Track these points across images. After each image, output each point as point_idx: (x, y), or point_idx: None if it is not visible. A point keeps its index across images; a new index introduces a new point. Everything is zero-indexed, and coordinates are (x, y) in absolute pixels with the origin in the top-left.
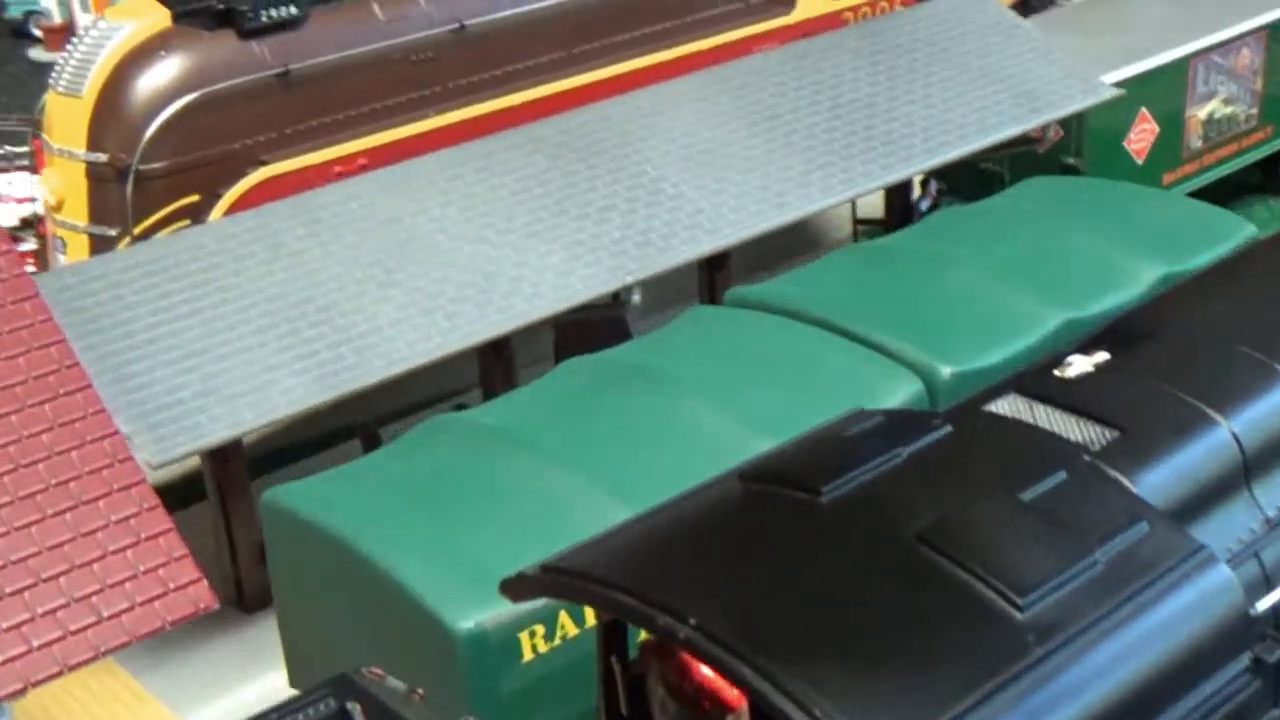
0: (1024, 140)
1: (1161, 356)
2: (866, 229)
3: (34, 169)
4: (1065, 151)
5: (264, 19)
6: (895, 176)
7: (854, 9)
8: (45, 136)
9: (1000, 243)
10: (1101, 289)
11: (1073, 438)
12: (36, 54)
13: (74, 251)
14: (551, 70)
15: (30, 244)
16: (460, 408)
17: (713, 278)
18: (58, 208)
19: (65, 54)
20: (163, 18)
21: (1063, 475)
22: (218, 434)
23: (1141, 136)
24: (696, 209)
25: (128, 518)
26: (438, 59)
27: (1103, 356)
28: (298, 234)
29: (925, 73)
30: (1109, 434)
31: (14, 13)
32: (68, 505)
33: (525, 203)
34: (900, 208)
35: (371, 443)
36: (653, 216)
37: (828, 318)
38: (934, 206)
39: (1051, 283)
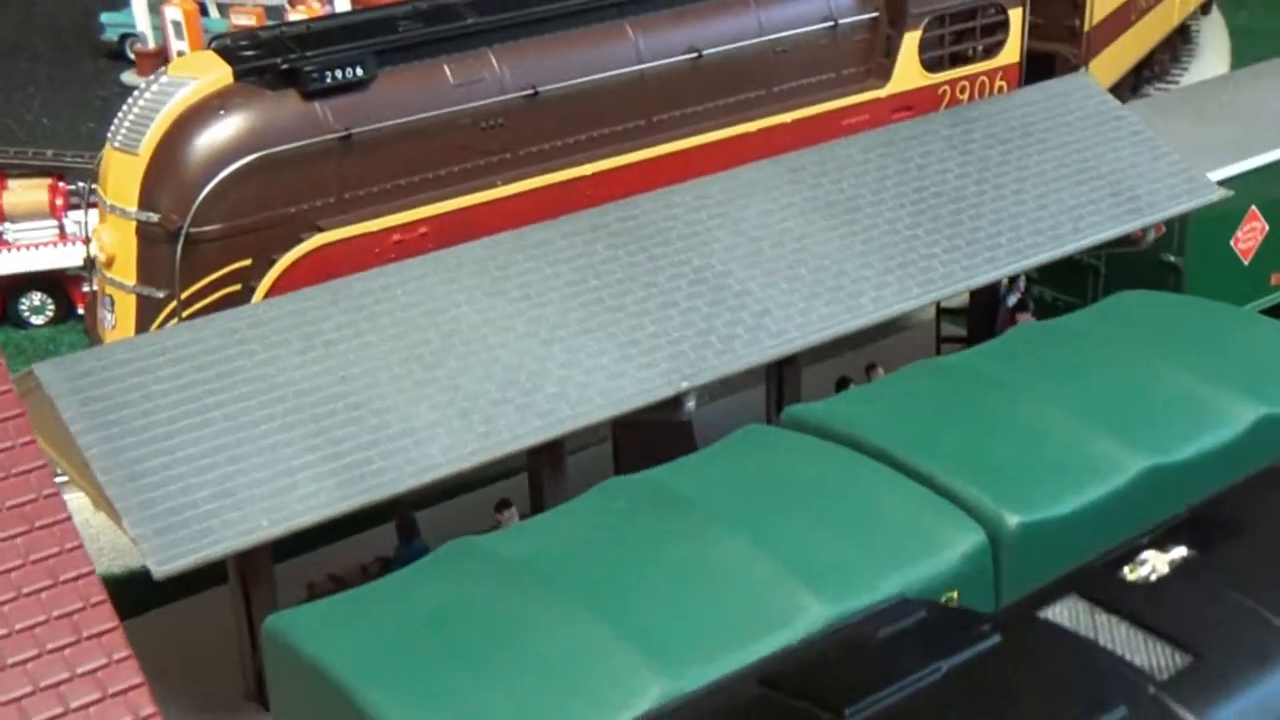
0: (1123, 236)
1: (1249, 560)
2: (949, 318)
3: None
4: (1166, 248)
5: (329, 80)
6: (979, 280)
7: (952, 83)
8: (100, 190)
9: (1082, 371)
10: (1191, 431)
11: (1138, 660)
12: (129, 78)
13: (121, 310)
14: (628, 139)
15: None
16: (503, 505)
17: (780, 382)
18: (108, 264)
19: (125, 108)
20: (224, 75)
21: (1123, 712)
22: (229, 543)
23: (1250, 235)
24: (762, 309)
25: (96, 670)
26: (509, 125)
27: (1180, 553)
28: (336, 321)
29: (1019, 165)
30: (1180, 658)
31: (111, 35)
32: (31, 654)
33: (580, 295)
34: (986, 304)
35: (408, 531)
36: (714, 315)
37: (889, 449)
38: (1021, 301)
39: (1136, 421)
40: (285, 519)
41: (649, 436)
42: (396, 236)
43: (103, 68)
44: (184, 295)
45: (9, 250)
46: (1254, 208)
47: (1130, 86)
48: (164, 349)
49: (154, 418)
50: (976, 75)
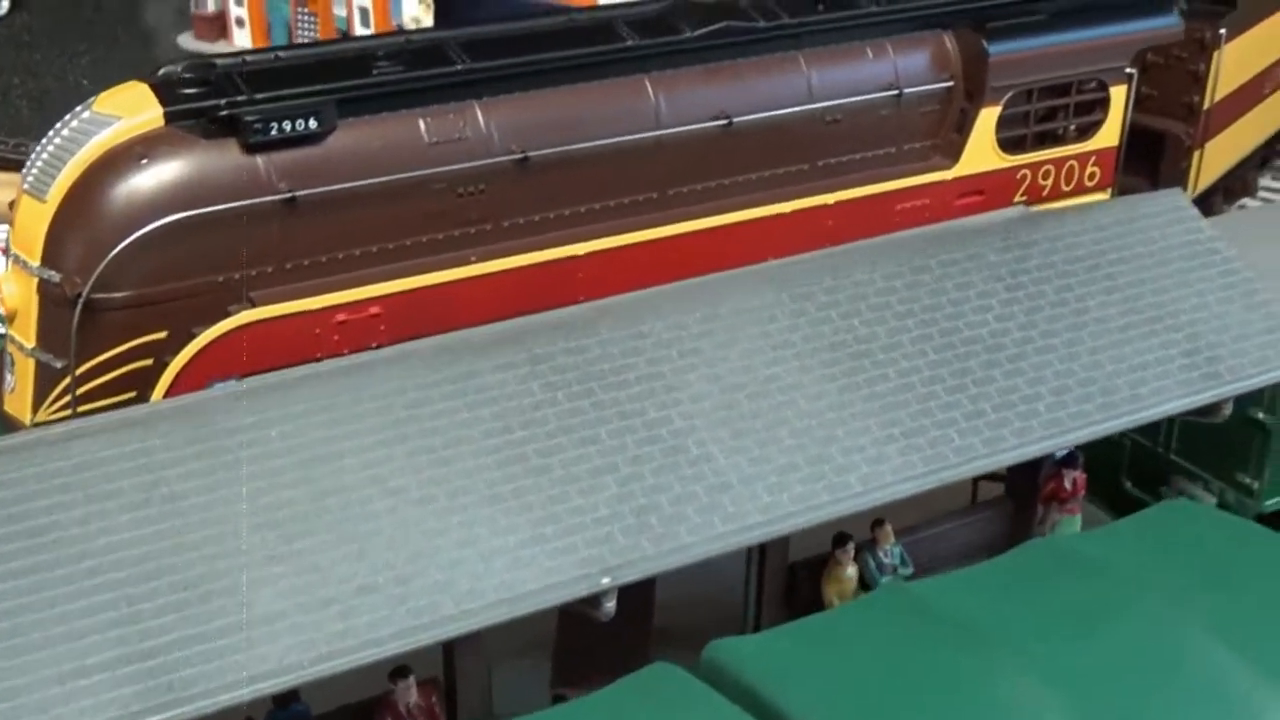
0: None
1: None
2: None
3: None
4: (1254, 403)
5: (274, 132)
6: (999, 460)
7: (1033, 166)
8: (9, 236)
9: (1089, 635)
10: None
11: None
12: (185, 40)
13: (20, 374)
14: (635, 214)
15: None
16: (400, 673)
17: (762, 562)
18: (10, 319)
19: (42, 143)
20: (154, 116)
21: None
22: None
23: None
24: (722, 481)
25: None
26: (491, 192)
27: None
28: (188, 468)
29: (1077, 307)
30: None
31: None
32: None
33: (500, 450)
34: (1026, 473)
35: (284, 696)
36: (660, 488)
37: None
38: (1071, 455)
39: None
40: None
41: (592, 634)
42: (341, 317)
43: (164, 26)
44: (80, 370)
45: None
46: None
47: (1258, 163)
48: None
49: None
50: (1064, 159)
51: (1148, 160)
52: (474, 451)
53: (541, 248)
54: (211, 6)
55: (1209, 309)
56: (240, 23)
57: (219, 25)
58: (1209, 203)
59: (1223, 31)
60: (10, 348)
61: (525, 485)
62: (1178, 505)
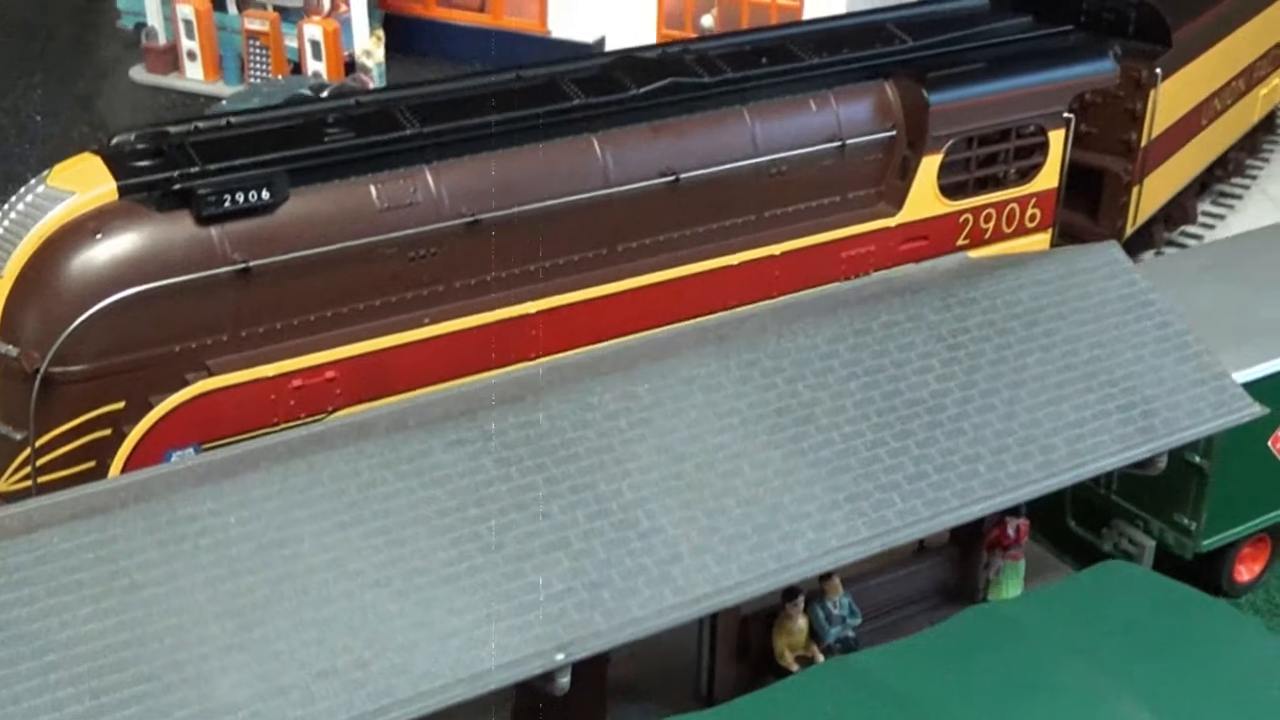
0: None
1: None
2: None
3: None
4: (1191, 448)
5: (227, 204)
6: (941, 523)
7: (975, 210)
8: None
9: (1020, 705)
10: None
11: None
12: (138, 74)
13: None
14: (586, 270)
15: None
16: None
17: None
18: None
19: None
20: (108, 190)
21: None
22: None
23: None
24: (672, 553)
25: None
26: (443, 254)
27: None
28: (148, 557)
29: (1016, 365)
30: None
31: (126, 23)
32: None
33: (454, 529)
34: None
35: None
36: (612, 562)
37: None
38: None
39: None
40: None
41: (548, 705)
42: (298, 382)
43: (116, 58)
44: (40, 442)
45: None
46: None
47: (1196, 190)
48: None
49: None
50: (1005, 202)
51: (1088, 196)
52: (429, 531)
53: (494, 307)
54: (163, 40)
55: (1144, 362)
56: (192, 55)
57: (170, 58)
58: (1150, 232)
59: (1158, 71)
60: None
61: (479, 563)
62: (1114, 567)
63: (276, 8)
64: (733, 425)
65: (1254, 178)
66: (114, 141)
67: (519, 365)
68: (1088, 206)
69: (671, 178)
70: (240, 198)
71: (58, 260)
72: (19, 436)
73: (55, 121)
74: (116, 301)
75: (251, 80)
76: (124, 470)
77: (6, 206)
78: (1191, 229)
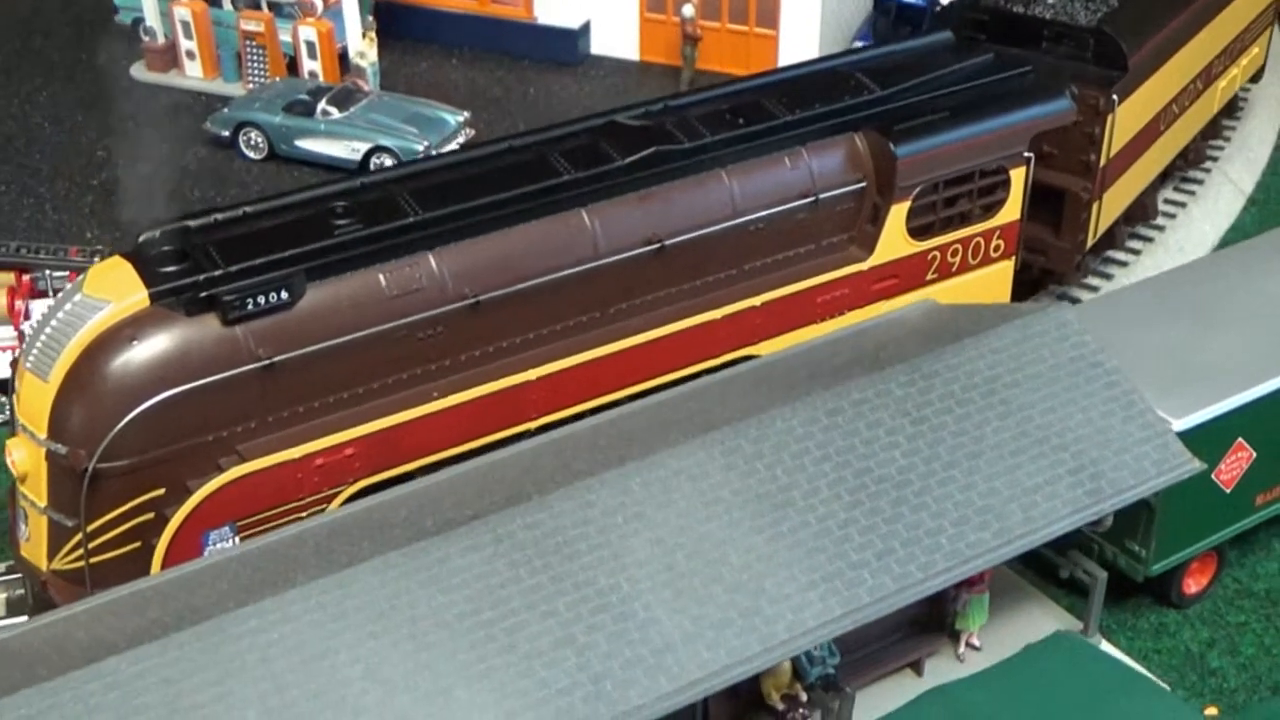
0: None
1: None
2: None
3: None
4: None
5: (250, 307)
6: (907, 597)
7: (942, 248)
8: (15, 405)
9: None
10: None
11: None
12: (138, 72)
13: (34, 528)
14: (580, 334)
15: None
16: None
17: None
18: (21, 480)
19: (39, 322)
20: (140, 298)
21: None
22: None
23: (1234, 466)
24: (666, 642)
25: None
26: (448, 331)
27: None
28: (204, 678)
29: (976, 434)
30: None
31: (124, 19)
32: None
33: (472, 631)
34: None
35: None
36: (613, 654)
37: None
38: None
39: None
40: None
41: None
42: (321, 460)
43: (116, 54)
44: (90, 528)
45: None
46: (1240, 439)
47: (1157, 184)
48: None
49: None
50: (971, 237)
51: (1050, 210)
52: (450, 635)
53: (495, 377)
54: (161, 39)
55: (1093, 424)
56: (190, 55)
57: (169, 57)
58: (1111, 232)
59: (1115, 98)
60: (23, 503)
61: (496, 664)
62: (1063, 641)
63: (271, 5)
64: (718, 513)
65: (1215, 159)
66: (140, 239)
67: (521, 439)
68: (1051, 220)
69: (657, 245)
70: (262, 300)
71: (98, 367)
72: (71, 523)
73: (62, 128)
74: (155, 404)
75: (251, 83)
76: (168, 549)
77: (47, 314)
78: (1150, 226)
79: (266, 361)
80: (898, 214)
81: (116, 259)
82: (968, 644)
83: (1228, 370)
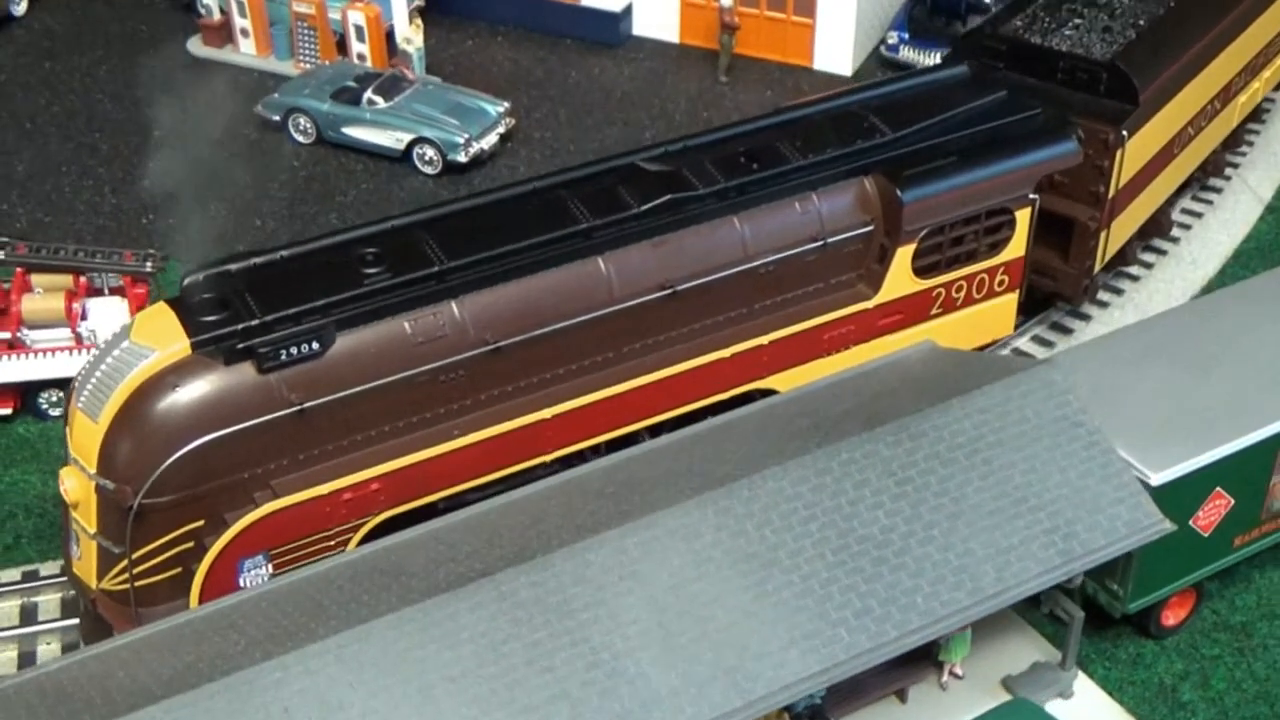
0: None
1: None
2: None
3: None
4: None
5: (284, 357)
6: (881, 655)
7: (947, 285)
8: (68, 435)
9: None
10: None
11: None
12: (194, 47)
13: (85, 550)
14: (594, 372)
15: None
16: None
17: None
18: (74, 506)
19: (90, 364)
20: (182, 347)
21: None
22: None
23: (1212, 512)
24: (654, 696)
25: None
26: (469, 374)
27: None
28: None
29: (957, 495)
30: None
31: None
32: None
33: (475, 686)
34: None
35: None
36: (603, 709)
37: None
38: None
39: None
40: None
41: None
42: (348, 495)
43: (174, 27)
44: (135, 555)
45: (29, 356)
46: (1219, 489)
47: (1171, 199)
48: None
49: None
50: (975, 274)
51: (1060, 235)
52: (455, 689)
53: (512, 416)
54: (218, 15)
55: (1070, 484)
56: (245, 32)
57: (224, 33)
58: (1124, 251)
59: (1124, 133)
60: (75, 527)
61: (497, 718)
62: (1018, 709)
63: None
64: (709, 572)
65: (1235, 166)
66: (185, 283)
67: (537, 470)
68: (1060, 245)
69: (669, 291)
70: (295, 350)
71: (143, 412)
72: (118, 550)
73: (121, 105)
74: (195, 448)
75: (302, 62)
76: (206, 575)
77: (96, 358)
78: (1165, 239)
79: (299, 407)
80: (904, 255)
81: (161, 306)
82: (951, 673)
83: (1210, 421)
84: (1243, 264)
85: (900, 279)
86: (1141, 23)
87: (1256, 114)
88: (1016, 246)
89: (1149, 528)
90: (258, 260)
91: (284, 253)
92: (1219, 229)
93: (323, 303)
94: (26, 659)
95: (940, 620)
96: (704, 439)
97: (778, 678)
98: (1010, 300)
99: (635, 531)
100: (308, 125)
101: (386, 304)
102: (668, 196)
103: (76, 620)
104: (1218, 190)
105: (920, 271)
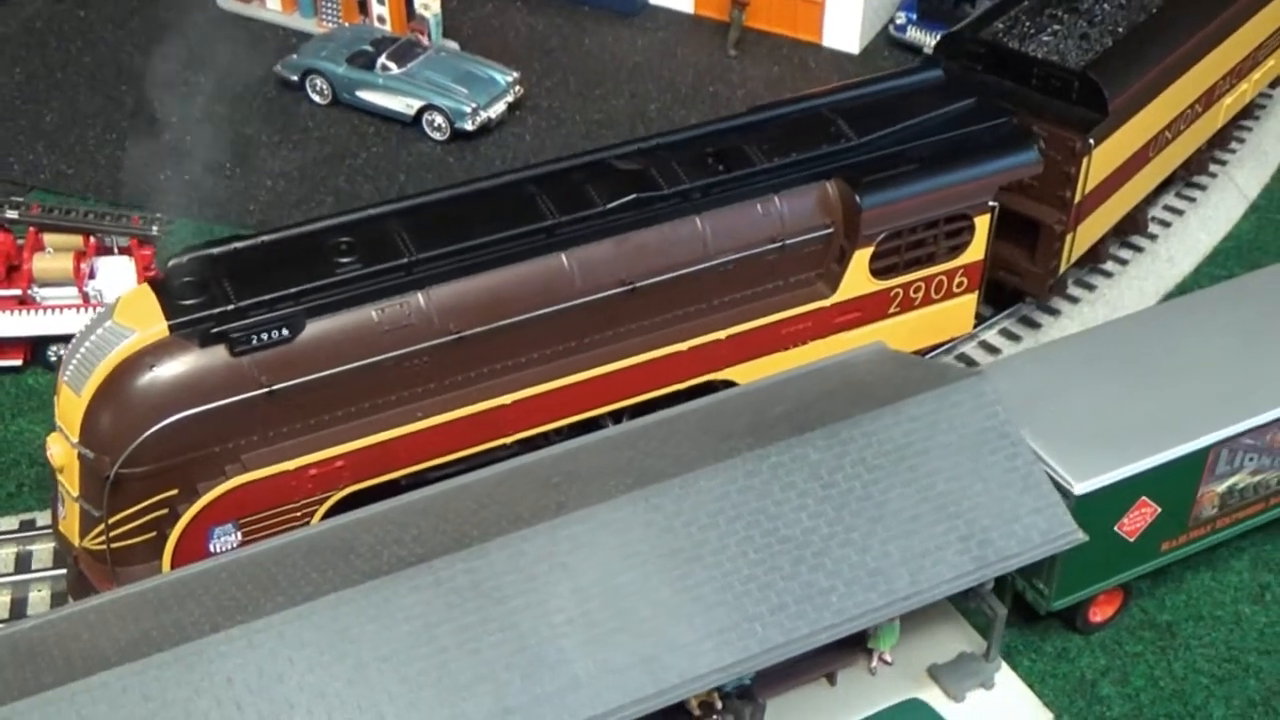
0: None
1: None
2: None
3: None
4: None
5: (255, 342)
6: (791, 650)
7: (905, 285)
8: (55, 404)
9: None
10: None
11: None
12: (224, 1)
13: (69, 510)
14: (554, 361)
15: None
16: None
17: None
18: (60, 470)
19: (76, 340)
20: (161, 329)
21: None
22: None
23: (1137, 520)
24: (574, 681)
25: None
26: (432, 362)
27: None
28: (179, 694)
29: (880, 499)
30: None
31: None
32: None
33: (410, 664)
34: None
35: None
36: (525, 690)
37: None
38: None
39: None
40: None
41: None
42: (314, 471)
43: None
44: (113, 520)
45: (38, 312)
46: (1144, 497)
47: (1148, 199)
48: None
49: None
50: (933, 276)
51: (1027, 233)
52: (389, 668)
53: (475, 400)
54: None
55: (990, 494)
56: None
57: None
58: (1097, 249)
59: (1091, 141)
60: (61, 489)
61: (423, 695)
62: (910, 707)
63: None
64: (635, 565)
65: (1223, 163)
66: (169, 264)
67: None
68: (1028, 244)
69: (630, 287)
70: (265, 336)
71: (122, 388)
72: (97, 513)
73: (149, 59)
74: (170, 423)
75: (325, 22)
76: (178, 539)
77: (82, 334)
78: (1142, 236)
79: (268, 389)
80: (862, 256)
81: (144, 288)
82: (880, 660)
83: (1138, 433)
84: (1219, 263)
85: (858, 279)
86: (1120, 30)
87: (1249, 111)
88: (976, 250)
89: (1063, 537)
90: (239, 245)
91: (265, 238)
92: (1199, 227)
93: (295, 290)
94: (19, 605)
95: (853, 619)
96: (650, 434)
97: (692, 668)
98: (969, 300)
99: (569, 524)
100: (324, 87)
101: (356, 293)
102: (633, 195)
103: (64, 571)
104: (1202, 188)
105: (878, 272)
